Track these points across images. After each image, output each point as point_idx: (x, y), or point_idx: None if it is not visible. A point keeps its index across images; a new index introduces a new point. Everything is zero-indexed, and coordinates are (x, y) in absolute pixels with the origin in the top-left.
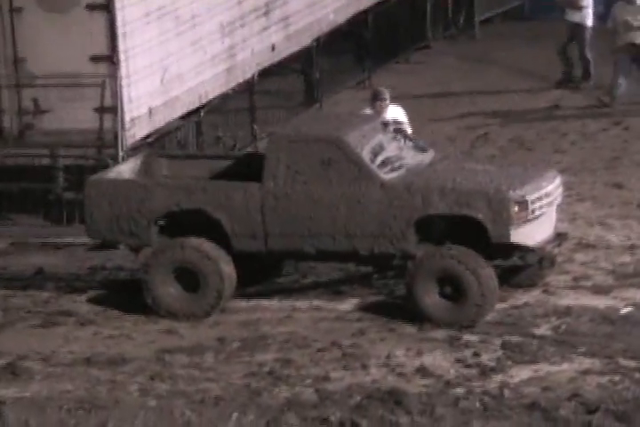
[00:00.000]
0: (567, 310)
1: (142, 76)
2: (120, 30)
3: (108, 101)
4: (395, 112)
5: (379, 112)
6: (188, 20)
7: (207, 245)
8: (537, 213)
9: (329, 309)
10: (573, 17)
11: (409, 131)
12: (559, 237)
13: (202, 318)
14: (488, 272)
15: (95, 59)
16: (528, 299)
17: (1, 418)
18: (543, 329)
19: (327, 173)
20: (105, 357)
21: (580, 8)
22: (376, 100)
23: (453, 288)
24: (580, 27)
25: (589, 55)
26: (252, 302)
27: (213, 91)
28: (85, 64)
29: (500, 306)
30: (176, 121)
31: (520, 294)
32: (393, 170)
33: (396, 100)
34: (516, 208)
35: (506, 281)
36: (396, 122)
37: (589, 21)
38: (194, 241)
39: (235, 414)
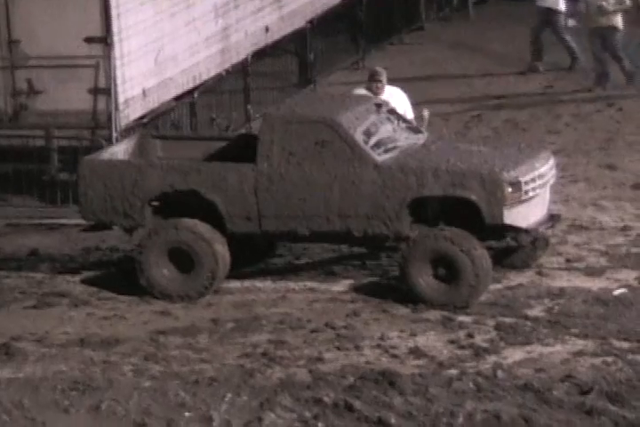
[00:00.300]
0: (560, 292)
1: (136, 57)
2: (114, 11)
3: (102, 82)
4: (394, 94)
5: (375, 93)
6: (182, 1)
7: (201, 227)
8: (530, 194)
9: (323, 290)
10: (545, 2)
11: (410, 115)
12: (552, 218)
13: (196, 299)
14: (482, 253)
15: (89, 40)
16: (522, 280)
17: None
18: (537, 310)
19: (321, 154)
20: (99, 338)
21: None
22: (372, 80)
23: (447, 269)
24: (552, 11)
25: (568, 38)
26: (246, 284)
27: (207, 72)
28: (79, 45)
29: (493, 287)
30: (170, 102)
31: (514, 275)
32: (387, 151)
33: (390, 81)
34: (510, 189)
35: (499, 262)
36: (388, 107)
37: (562, 5)
38: (188, 222)
39: (228, 395)
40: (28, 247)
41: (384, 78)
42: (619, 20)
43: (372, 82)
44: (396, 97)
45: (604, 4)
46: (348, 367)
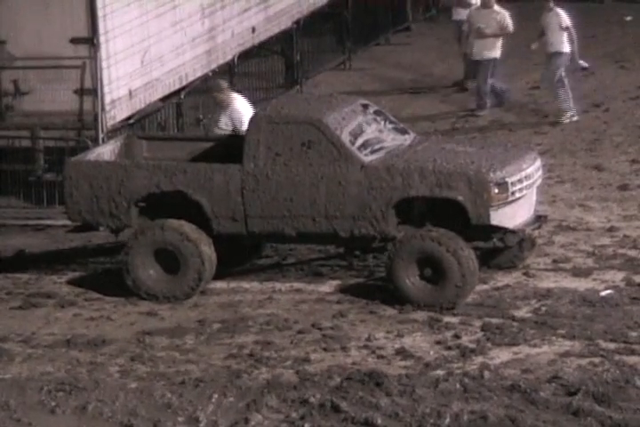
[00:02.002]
0: (547, 293)
1: (122, 57)
2: (100, 12)
3: (88, 83)
4: (235, 108)
5: (218, 105)
6: (168, 2)
7: (187, 227)
8: (517, 194)
9: (309, 291)
10: (462, 16)
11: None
12: (539, 219)
13: (182, 299)
14: (468, 254)
15: (75, 40)
16: (508, 281)
17: None
18: (523, 311)
19: (307, 154)
20: (85, 338)
21: (468, 6)
22: (213, 92)
23: (434, 270)
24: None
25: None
26: (233, 284)
27: (194, 72)
28: (65, 46)
29: (480, 288)
30: (156, 103)
31: (500, 275)
32: (373, 152)
33: (376, 81)
34: (496, 190)
35: (486, 263)
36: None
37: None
38: (174, 223)
39: (215, 396)
40: (13, 248)
41: (221, 92)
42: (497, 48)
43: (214, 93)
44: (231, 110)
45: (481, 26)
46: (335, 368)
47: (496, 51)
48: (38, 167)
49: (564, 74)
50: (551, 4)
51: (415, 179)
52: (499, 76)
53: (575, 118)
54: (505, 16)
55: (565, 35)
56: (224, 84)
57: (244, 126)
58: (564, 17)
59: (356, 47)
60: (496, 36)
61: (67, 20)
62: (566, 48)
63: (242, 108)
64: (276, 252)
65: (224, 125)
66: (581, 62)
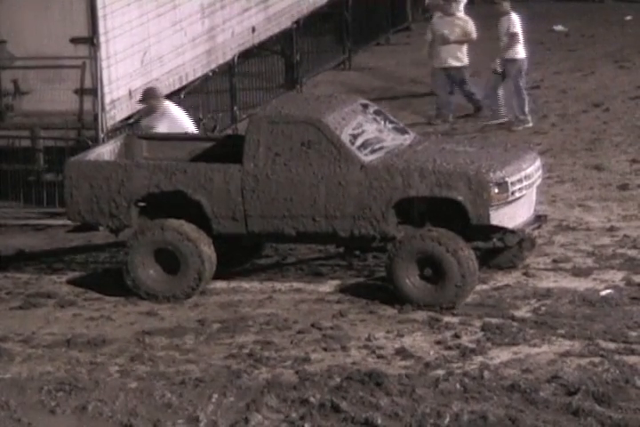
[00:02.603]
0: (547, 292)
1: (122, 57)
2: (100, 12)
3: (88, 83)
4: (166, 113)
5: (153, 112)
6: (168, 2)
7: (187, 227)
8: (517, 194)
9: (309, 290)
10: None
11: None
12: (539, 219)
13: (182, 299)
14: (468, 254)
15: (75, 40)
16: (508, 281)
17: None
18: (523, 311)
19: (307, 154)
20: (85, 338)
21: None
22: (149, 99)
23: (433, 270)
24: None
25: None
26: (233, 284)
27: (194, 72)
28: (65, 46)
29: (480, 288)
30: None
31: (500, 275)
32: (373, 152)
33: (376, 81)
34: (496, 190)
35: (486, 263)
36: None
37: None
38: (174, 223)
39: (215, 396)
40: (13, 248)
41: (157, 99)
42: (463, 55)
43: (148, 100)
44: (166, 117)
45: (445, 32)
46: (335, 368)
47: (461, 59)
48: (38, 167)
49: (522, 81)
50: (507, 9)
51: (415, 179)
52: (473, 83)
53: (529, 125)
54: (468, 23)
55: (514, 40)
56: (159, 90)
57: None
58: (514, 22)
59: (356, 47)
60: (460, 42)
61: (67, 19)
62: (520, 54)
63: (179, 115)
64: (275, 251)
65: (164, 131)
66: (497, 65)
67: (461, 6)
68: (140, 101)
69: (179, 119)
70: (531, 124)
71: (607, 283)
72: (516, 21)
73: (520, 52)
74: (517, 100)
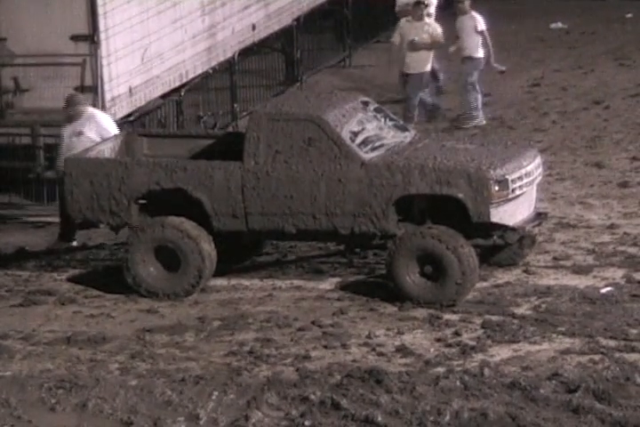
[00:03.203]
0: (547, 290)
1: (123, 55)
2: (100, 9)
3: (88, 80)
4: (92, 118)
5: (78, 118)
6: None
7: (188, 224)
8: (517, 192)
9: (309, 288)
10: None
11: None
12: (539, 216)
13: (182, 297)
14: (468, 251)
15: (75, 38)
16: (508, 278)
17: None
18: (524, 308)
19: (308, 152)
20: (85, 336)
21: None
22: (74, 105)
23: (434, 267)
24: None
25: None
26: (233, 282)
27: (194, 70)
28: (66, 43)
29: (480, 285)
30: (156, 100)
31: (500, 273)
32: (373, 149)
33: (377, 78)
34: (497, 187)
35: (486, 260)
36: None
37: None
38: (174, 220)
39: (215, 393)
40: (13, 245)
41: (82, 105)
42: (429, 61)
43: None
44: (92, 122)
45: (415, 38)
46: (335, 366)
47: (428, 64)
48: (38, 164)
49: (475, 79)
50: (467, 7)
51: (415, 176)
52: (431, 90)
53: (483, 123)
54: (436, 28)
55: (480, 39)
56: (82, 96)
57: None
58: (480, 21)
59: (356, 44)
60: (430, 48)
61: (67, 17)
62: (479, 53)
63: (105, 119)
64: (276, 249)
65: (93, 136)
66: (496, 66)
67: (432, 9)
68: (65, 108)
69: (105, 123)
70: (484, 122)
71: (607, 280)
72: (481, 20)
73: (480, 51)
74: (468, 97)
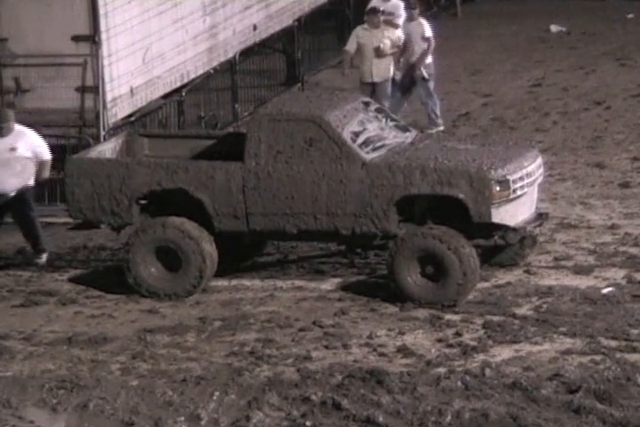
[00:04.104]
0: (549, 290)
1: (124, 55)
2: (101, 10)
3: (89, 81)
4: (20, 135)
5: (6, 133)
6: (170, 0)
7: (189, 225)
8: (518, 192)
9: (310, 288)
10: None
11: (46, 156)
12: (540, 216)
13: (183, 297)
14: (469, 252)
15: (77, 38)
16: (510, 279)
17: None
18: (525, 309)
19: (309, 152)
20: (86, 336)
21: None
22: (3, 122)
23: (435, 268)
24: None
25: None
26: (234, 282)
27: (195, 70)
28: (67, 44)
29: (481, 286)
30: (158, 100)
31: (502, 273)
32: (374, 149)
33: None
34: (498, 188)
35: (487, 261)
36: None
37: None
38: (175, 220)
39: (216, 394)
40: (15, 246)
41: (10, 121)
42: (391, 68)
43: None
44: (23, 138)
45: (380, 45)
46: (336, 366)
47: (391, 71)
48: None
49: (431, 85)
50: (415, 15)
51: (416, 177)
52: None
53: (441, 128)
54: (396, 33)
55: (426, 45)
56: (12, 112)
57: (46, 151)
58: (427, 27)
59: None
60: (394, 54)
61: (68, 17)
62: (430, 59)
63: (35, 136)
64: (277, 249)
65: (26, 153)
66: (423, 71)
67: (400, 21)
68: None
69: (37, 141)
70: (442, 128)
71: (608, 281)
72: (427, 26)
73: (429, 56)
74: (430, 104)
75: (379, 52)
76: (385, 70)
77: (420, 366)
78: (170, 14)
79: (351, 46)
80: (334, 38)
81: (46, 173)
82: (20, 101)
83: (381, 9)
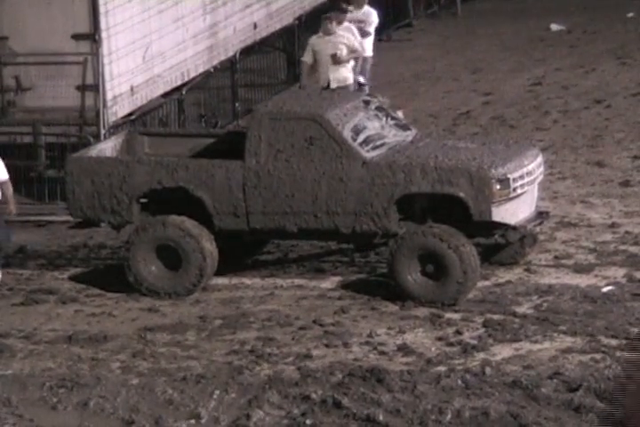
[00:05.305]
0: (549, 289)
1: (124, 53)
2: (102, 8)
3: (89, 79)
4: None
5: None
6: None
7: (189, 223)
8: (518, 191)
9: (311, 287)
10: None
11: None
12: (541, 215)
13: (184, 295)
14: (470, 250)
15: (77, 37)
16: (510, 277)
17: None
18: (525, 307)
19: (309, 150)
20: (87, 334)
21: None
22: None
23: (435, 266)
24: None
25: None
26: (234, 281)
27: (195, 69)
28: (67, 42)
29: (481, 284)
30: (158, 99)
31: (502, 272)
32: (375, 148)
33: (377, 77)
34: (498, 186)
35: (487, 259)
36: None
37: (370, 51)
38: (176, 219)
39: (216, 392)
40: (15, 244)
41: None
42: (350, 74)
43: None
44: None
45: (338, 52)
46: (336, 364)
47: (350, 77)
48: (40, 163)
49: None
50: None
51: (417, 175)
52: None
53: None
54: (350, 38)
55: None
56: None
57: (2, 171)
58: (357, 34)
59: None
60: (352, 59)
61: (69, 16)
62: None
63: None
64: (277, 248)
65: None
66: (360, 78)
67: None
68: None
69: None
70: None
71: (609, 279)
72: (356, 32)
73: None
74: None
75: (335, 59)
76: (344, 76)
77: (420, 365)
78: (170, 13)
79: (307, 57)
80: None
81: (9, 193)
82: (20, 100)
83: (348, 12)
